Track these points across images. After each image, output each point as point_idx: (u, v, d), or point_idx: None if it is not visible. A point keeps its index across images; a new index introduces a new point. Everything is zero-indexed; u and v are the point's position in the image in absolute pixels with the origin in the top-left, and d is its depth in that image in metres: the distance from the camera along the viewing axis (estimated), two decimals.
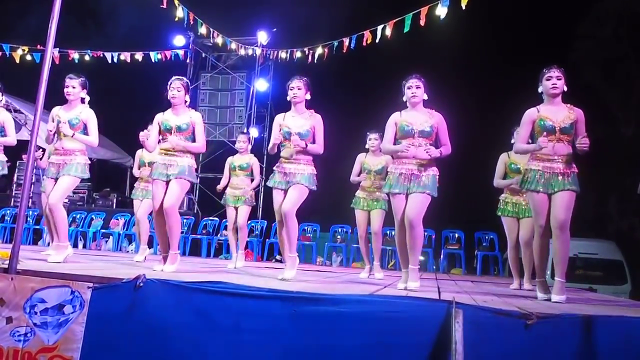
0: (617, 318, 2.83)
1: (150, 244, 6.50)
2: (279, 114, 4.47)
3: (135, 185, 6.53)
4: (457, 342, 2.52)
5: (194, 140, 4.42)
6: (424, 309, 2.76)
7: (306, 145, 4.17)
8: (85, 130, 4.57)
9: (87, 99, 4.67)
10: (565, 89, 3.80)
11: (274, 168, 4.40)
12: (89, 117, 4.57)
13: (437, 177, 3.93)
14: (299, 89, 4.28)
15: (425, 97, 3.99)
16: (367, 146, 5.73)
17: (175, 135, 4.35)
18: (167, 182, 4.33)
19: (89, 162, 4.74)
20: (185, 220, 10.36)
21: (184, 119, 4.39)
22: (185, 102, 4.43)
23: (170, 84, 4.43)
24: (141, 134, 4.41)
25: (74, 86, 4.51)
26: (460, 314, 2.59)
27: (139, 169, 6.48)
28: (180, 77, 4.52)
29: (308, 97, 4.34)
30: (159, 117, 4.45)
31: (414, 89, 3.94)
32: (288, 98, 4.36)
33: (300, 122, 4.28)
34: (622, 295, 7.40)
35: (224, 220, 10.78)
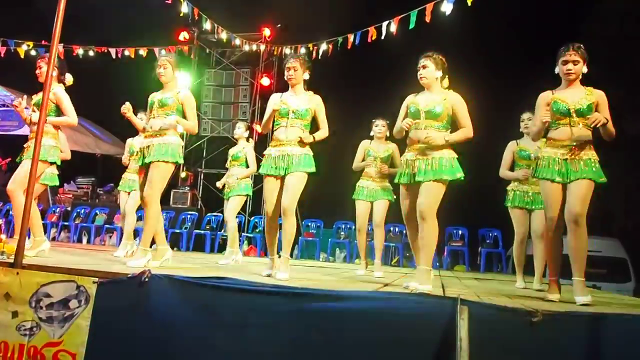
0: (623, 316, 2.81)
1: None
2: (275, 93, 4.19)
3: (123, 176, 6.35)
4: (462, 339, 2.52)
5: None
6: (429, 306, 2.74)
7: (314, 139, 3.96)
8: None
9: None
10: (585, 70, 3.53)
11: (265, 152, 4.09)
12: None
13: (449, 160, 3.60)
14: (295, 70, 4.02)
15: (436, 76, 3.70)
16: (372, 133, 5.63)
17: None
18: None
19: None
20: (188, 216, 10.38)
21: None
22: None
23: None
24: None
25: (165, 67, 4.37)
26: (466, 311, 2.59)
27: (128, 159, 6.31)
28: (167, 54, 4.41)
29: (306, 76, 4.08)
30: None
31: (420, 69, 3.76)
32: (285, 78, 4.09)
33: (298, 102, 4.01)
34: (626, 293, 7.39)
35: None
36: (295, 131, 3.97)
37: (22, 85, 11.11)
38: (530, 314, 2.62)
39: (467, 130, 3.66)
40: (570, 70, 3.54)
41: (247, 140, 6.17)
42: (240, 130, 6.16)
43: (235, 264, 5.66)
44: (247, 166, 6.00)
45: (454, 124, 3.74)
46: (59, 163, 4.49)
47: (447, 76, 3.79)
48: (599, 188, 3.48)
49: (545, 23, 10.33)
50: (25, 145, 4.53)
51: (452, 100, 3.69)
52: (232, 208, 5.91)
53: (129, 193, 6.15)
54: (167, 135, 4.18)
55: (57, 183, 4.72)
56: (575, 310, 2.86)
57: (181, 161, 4.24)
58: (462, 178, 3.61)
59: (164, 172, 4.15)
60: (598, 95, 3.52)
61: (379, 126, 5.59)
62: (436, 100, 3.70)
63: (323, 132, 4.06)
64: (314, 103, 4.05)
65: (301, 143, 3.97)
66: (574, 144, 3.50)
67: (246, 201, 11.64)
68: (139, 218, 6.31)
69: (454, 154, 3.67)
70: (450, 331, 2.58)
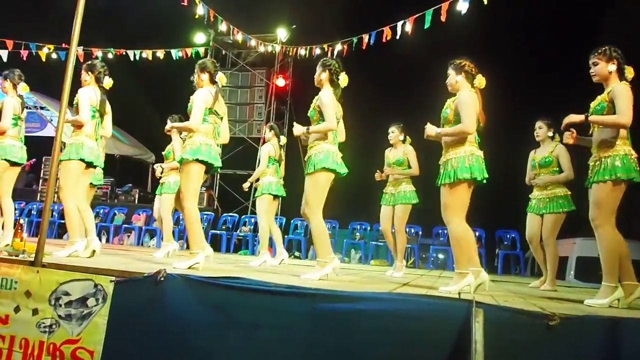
0: None
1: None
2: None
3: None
4: (477, 342, 2.49)
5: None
6: (443, 308, 2.72)
7: (307, 131, 4.07)
8: None
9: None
10: (612, 68, 3.51)
11: None
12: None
13: (463, 158, 3.58)
14: (316, 73, 4.22)
15: (456, 80, 3.74)
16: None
17: None
18: None
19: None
20: (205, 216, 10.46)
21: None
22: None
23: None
24: None
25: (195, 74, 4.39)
26: (481, 314, 2.56)
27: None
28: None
29: (323, 76, 4.16)
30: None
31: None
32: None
33: (310, 106, 4.18)
34: None
35: (244, 216, 10.87)
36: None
37: (44, 88, 11.33)
38: (548, 317, 2.57)
39: (462, 125, 3.60)
40: (592, 72, 3.61)
41: (275, 140, 6.26)
42: (266, 134, 6.37)
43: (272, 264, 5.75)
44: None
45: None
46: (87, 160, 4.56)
47: (477, 75, 3.76)
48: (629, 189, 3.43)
49: (564, 21, 10.19)
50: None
51: (457, 100, 3.70)
52: (257, 209, 6.10)
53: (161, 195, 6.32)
54: (192, 136, 4.18)
55: (102, 182, 4.83)
56: (594, 314, 2.81)
57: (202, 157, 4.07)
58: (476, 179, 3.57)
59: (185, 171, 4.12)
60: (616, 90, 3.47)
61: (390, 133, 5.79)
62: (447, 103, 3.81)
63: (321, 126, 4.05)
64: (318, 100, 4.12)
65: (310, 143, 4.09)
66: (596, 146, 3.57)
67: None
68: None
69: (469, 153, 3.62)
70: (465, 334, 2.56)
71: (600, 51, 3.58)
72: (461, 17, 7.11)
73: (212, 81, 4.32)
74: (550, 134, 5.27)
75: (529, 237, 5.40)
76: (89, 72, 4.67)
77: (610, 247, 3.39)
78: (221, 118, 4.38)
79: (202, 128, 4.16)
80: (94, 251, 4.40)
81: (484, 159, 3.66)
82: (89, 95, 4.58)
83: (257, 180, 6.17)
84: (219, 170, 4.31)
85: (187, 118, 4.25)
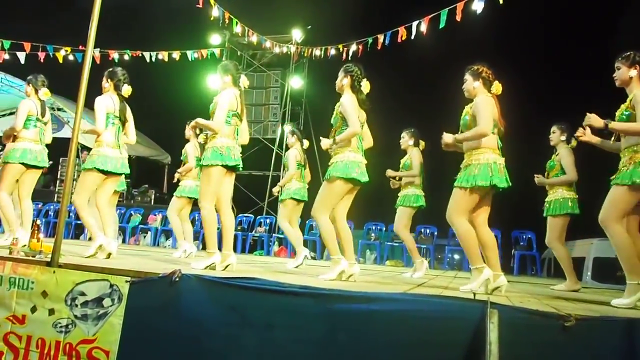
0: None
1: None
2: None
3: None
4: (492, 343, 2.47)
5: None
6: (457, 309, 2.70)
7: (334, 142, 4.07)
8: None
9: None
10: (633, 74, 3.54)
11: None
12: None
13: (486, 166, 3.64)
14: (338, 78, 4.23)
15: (473, 86, 3.80)
16: None
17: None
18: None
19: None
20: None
21: None
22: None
23: None
24: None
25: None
26: (496, 315, 2.54)
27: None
28: None
29: (344, 82, 4.16)
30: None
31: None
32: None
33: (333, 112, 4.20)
34: None
35: (259, 216, 10.91)
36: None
37: (61, 90, 11.48)
38: (563, 318, 2.55)
39: (478, 127, 3.65)
40: (615, 77, 3.65)
41: (299, 144, 6.26)
42: (288, 138, 6.43)
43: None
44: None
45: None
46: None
47: (494, 81, 3.82)
48: None
49: (582, 19, 10.04)
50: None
51: (474, 105, 3.75)
52: (279, 212, 6.21)
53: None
54: (214, 138, 4.21)
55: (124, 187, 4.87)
56: (611, 315, 2.77)
57: (223, 162, 4.10)
58: (483, 185, 3.63)
59: (206, 174, 4.17)
60: (636, 94, 3.49)
61: (401, 139, 5.90)
62: (466, 109, 3.86)
63: (343, 134, 4.05)
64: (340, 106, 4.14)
65: (334, 150, 4.12)
66: (621, 151, 3.61)
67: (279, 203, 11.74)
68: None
69: (492, 161, 3.66)
70: (480, 335, 2.54)
71: (624, 56, 3.61)
72: (477, 17, 7.05)
73: (235, 83, 4.34)
74: (564, 138, 5.26)
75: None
76: (109, 79, 4.70)
77: (621, 245, 3.42)
78: (241, 120, 4.40)
79: (225, 130, 4.18)
80: (109, 253, 4.44)
81: (505, 167, 3.70)
82: (106, 103, 4.61)
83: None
84: (239, 169, 4.32)
85: (208, 119, 4.28)
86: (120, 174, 4.79)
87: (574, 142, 5.16)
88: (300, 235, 6.26)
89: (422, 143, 5.83)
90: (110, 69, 4.79)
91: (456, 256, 10.80)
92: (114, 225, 5.43)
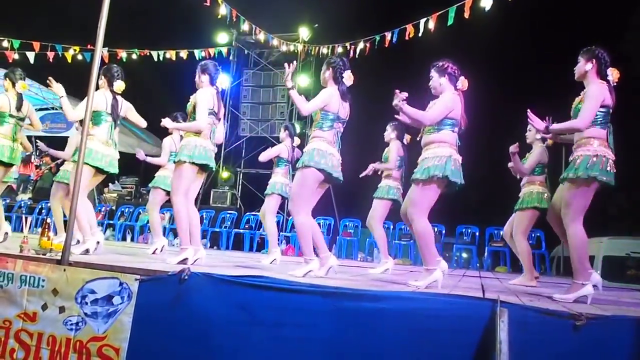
0: None
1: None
2: None
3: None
4: (502, 342, 2.46)
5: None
6: (467, 308, 2.70)
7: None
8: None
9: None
10: (589, 67, 3.56)
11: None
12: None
13: (435, 159, 3.63)
14: (321, 72, 4.26)
15: (439, 82, 3.79)
16: None
17: None
18: None
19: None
20: (228, 215, 10.54)
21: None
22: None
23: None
24: None
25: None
26: (506, 313, 2.53)
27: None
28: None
29: (326, 74, 4.16)
30: None
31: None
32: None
33: None
34: None
35: None
36: None
37: (70, 89, 11.53)
38: (574, 317, 2.54)
39: (422, 115, 3.73)
40: (574, 69, 3.69)
41: (289, 140, 6.25)
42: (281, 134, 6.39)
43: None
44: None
45: None
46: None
47: (460, 77, 3.81)
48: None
49: (591, 16, 9.97)
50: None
51: (437, 100, 3.78)
52: (265, 206, 6.12)
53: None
54: (189, 137, 4.32)
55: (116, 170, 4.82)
56: (621, 315, 2.75)
57: (197, 160, 4.21)
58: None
59: (178, 171, 4.25)
60: (588, 90, 3.55)
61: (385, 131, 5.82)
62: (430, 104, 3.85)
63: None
64: None
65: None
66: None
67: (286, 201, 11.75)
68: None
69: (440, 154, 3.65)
70: (490, 333, 2.53)
71: (585, 50, 3.65)
72: (485, 14, 7.02)
73: (212, 82, 4.43)
74: (539, 136, 5.20)
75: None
76: (103, 76, 4.68)
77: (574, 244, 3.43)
78: (219, 119, 4.46)
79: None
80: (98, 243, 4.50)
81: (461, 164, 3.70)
82: (97, 100, 4.52)
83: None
84: (211, 169, 4.43)
85: (186, 116, 4.37)
86: (109, 173, 4.71)
87: (549, 141, 5.12)
88: (275, 232, 6.16)
89: (407, 137, 5.77)
90: (105, 66, 4.77)
91: (464, 255, 10.76)
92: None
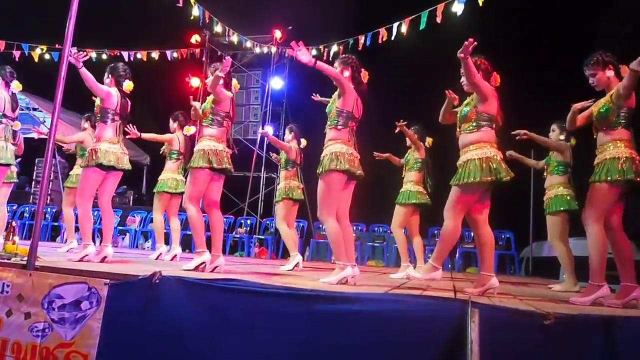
0: (637, 319, 2.77)
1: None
2: None
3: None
4: (473, 342, 2.49)
5: None
6: (439, 308, 2.72)
7: None
8: None
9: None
10: (610, 74, 3.64)
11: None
12: None
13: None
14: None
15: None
16: None
17: None
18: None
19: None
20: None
21: None
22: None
23: None
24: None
25: None
26: (477, 314, 2.55)
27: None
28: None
29: (345, 74, 3.97)
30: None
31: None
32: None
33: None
34: None
35: (240, 217, 10.84)
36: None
37: (37, 89, 11.26)
38: (543, 316, 2.58)
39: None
40: (593, 83, 3.71)
41: (295, 142, 6.17)
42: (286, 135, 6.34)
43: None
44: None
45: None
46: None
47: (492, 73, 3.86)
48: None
49: (559, 23, 10.19)
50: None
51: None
52: (276, 213, 6.17)
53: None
54: (201, 141, 4.48)
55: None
56: (589, 313, 2.81)
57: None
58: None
59: (193, 176, 4.30)
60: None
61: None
62: (467, 100, 3.89)
63: None
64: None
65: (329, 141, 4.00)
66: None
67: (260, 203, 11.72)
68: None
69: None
70: (461, 334, 2.55)
71: (593, 62, 3.67)
72: (457, 19, 7.11)
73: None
74: (562, 137, 5.29)
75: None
76: (110, 75, 4.62)
77: (593, 245, 3.48)
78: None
79: (214, 133, 4.44)
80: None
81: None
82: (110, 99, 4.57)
83: (279, 183, 6.13)
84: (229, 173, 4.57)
85: (187, 116, 4.39)
86: (121, 170, 4.63)
87: (572, 141, 5.22)
88: (296, 238, 6.07)
89: (428, 140, 5.77)
90: (112, 64, 4.71)
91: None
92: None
